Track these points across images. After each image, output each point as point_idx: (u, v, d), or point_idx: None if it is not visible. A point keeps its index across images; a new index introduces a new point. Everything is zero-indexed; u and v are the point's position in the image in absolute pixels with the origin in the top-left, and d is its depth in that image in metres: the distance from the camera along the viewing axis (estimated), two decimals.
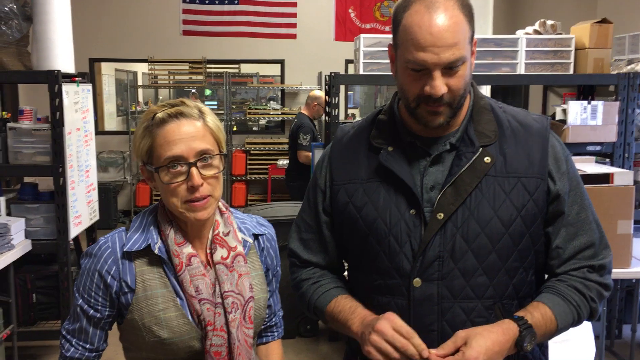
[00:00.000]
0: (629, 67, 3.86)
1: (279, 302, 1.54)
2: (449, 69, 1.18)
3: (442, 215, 1.22)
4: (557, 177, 1.26)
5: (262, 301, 1.38)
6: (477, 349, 1.11)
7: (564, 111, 3.69)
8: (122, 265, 1.27)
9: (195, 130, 1.25)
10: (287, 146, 6.67)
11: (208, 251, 1.33)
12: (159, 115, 1.26)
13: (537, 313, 1.22)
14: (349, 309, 1.30)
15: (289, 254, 1.45)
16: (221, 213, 1.37)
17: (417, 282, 1.24)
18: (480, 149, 1.25)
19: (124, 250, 1.27)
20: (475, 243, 1.22)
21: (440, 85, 1.18)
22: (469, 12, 1.20)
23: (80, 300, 1.29)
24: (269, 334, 1.54)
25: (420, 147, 1.28)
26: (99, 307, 1.29)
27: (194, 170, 1.23)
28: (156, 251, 1.27)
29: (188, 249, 1.28)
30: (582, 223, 1.28)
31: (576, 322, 1.27)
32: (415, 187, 1.25)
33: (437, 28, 1.15)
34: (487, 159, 1.24)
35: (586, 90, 4.32)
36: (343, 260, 1.46)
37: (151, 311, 1.26)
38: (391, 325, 1.16)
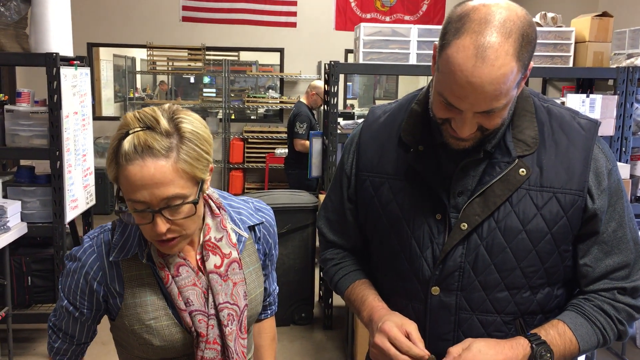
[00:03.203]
0: (628, 61, 3.86)
1: (274, 280, 1.49)
2: (485, 112, 1.06)
3: (466, 225, 1.16)
4: (596, 195, 1.16)
5: (259, 297, 1.34)
6: (474, 352, 1.08)
7: (563, 104, 3.68)
8: (108, 271, 1.20)
9: (160, 176, 1.05)
10: (285, 135, 6.67)
11: (199, 257, 1.23)
12: (125, 144, 1.06)
13: (553, 331, 1.15)
14: (360, 299, 1.29)
15: (318, 231, 1.45)
16: (213, 215, 1.25)
17: (435, 290, 1.20)
18: (516, 160, 1.15)
19: (110, 260, 1.20)
20: (499, 258, 1.16)
21: (468, 130, 1.08)
22: (526, 53, 1.03)
23: (65, 302, 1.24)
24: (262, 312, 1.50)
25: (453, 149, 1.17)
26: (84, 310, 1.24)
27: (158, 218, 1.09)
28: (144, 261, 1.19)
29: (175, 258, 1.19)
30: (618, 241, 1.18)
31: (602, 344, 1.19)
32: (443, 193, 1.18)
33: (478, 80, 1.00)
34: (522, 171, 1.14)
35: (585, 83, 4.33)
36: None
37: (141, 319, 1.20)
38: (395, 325, 1.15)
